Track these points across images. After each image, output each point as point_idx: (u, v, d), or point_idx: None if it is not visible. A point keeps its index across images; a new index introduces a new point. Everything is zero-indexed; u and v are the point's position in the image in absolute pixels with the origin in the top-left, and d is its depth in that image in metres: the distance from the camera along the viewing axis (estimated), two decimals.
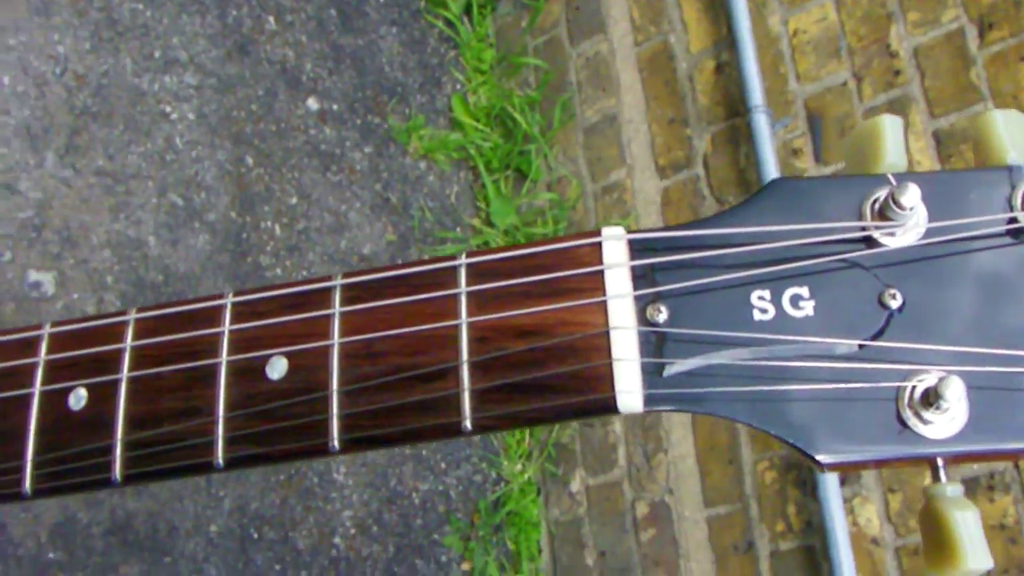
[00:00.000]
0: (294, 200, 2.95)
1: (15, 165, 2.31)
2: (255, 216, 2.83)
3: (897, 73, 2.62)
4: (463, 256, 0.54)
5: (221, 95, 2.77)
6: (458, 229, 3.34)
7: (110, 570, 2.22)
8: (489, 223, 3.34)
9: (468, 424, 0.49)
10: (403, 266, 0.54)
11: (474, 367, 0.51)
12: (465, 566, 2.97)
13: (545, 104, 3.42)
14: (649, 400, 0.49)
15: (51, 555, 2.12)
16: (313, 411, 0.53)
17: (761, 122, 2.72)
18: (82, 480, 0.55)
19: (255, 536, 2.47)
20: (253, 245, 2.76)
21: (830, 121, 2.74)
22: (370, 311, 0.54)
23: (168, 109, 2.67)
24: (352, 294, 0.55)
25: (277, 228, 2.86)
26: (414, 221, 3.20)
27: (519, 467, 3.12)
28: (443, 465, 2.93)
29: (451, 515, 2.90)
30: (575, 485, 3.12)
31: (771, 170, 2.73)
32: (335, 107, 3.08)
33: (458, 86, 3.47)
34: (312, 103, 3.04)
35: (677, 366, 0.49)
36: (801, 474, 2.63)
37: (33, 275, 2.29)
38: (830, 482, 2.54)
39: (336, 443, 0.51)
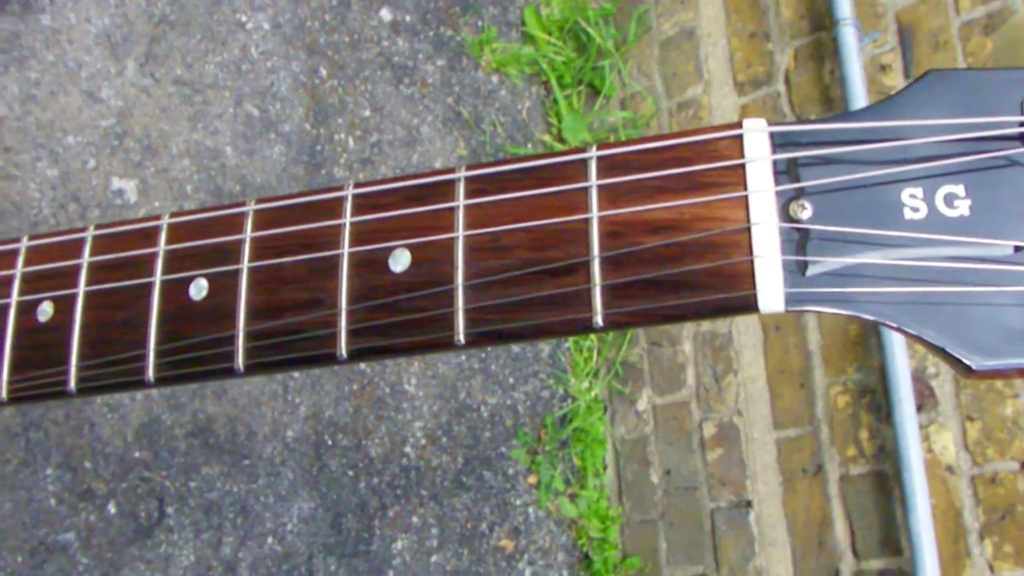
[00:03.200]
0: (367, 113, 2.93)
1: (96, 73, 2.33)
2: (329, 128, 2.82)
3: None
4: (593, 148, 0.52)
5: (295, 4, 2.75)
6: (529, 145, 3.31)
7: (192, 470, 2.30)
8: (560, 139, 3.29)
9: (599, 320, 0.48)
10: (529, 158, 0.53)
11: (605, 262, 0.49)
12: (531, 479, 3.01)
13: (620, 17, 3.33)
14: (791, 299, 0.47)
15: (136, 454, 2.20)
16: (438, 304, 0.52)
17: (848, 36, 2.61)
18: (204, 369, 0.56)
19: (329, 443, 2.53)
20: (327, 157, 2.77)
21: (922, 35, 2.63)
22: (496, 204, 0.53)
23: (244, 19, 2.65)
24: (476, 187, 0.54)
25: (350, 141, 2.86)
26: (485, 136, 3.17)
27: (586, 384, 3.13)
28: (511, 380, 2.95)
29: (519, 429, 2.93)
30: (642, 404, 3.13)
31: (858, 87, 2.63)
32: (408, 18, 3.04)
33: None
34: (385, 14, 3.00)
35: (821, 265, 0.47)
36: (875, 399, 2.59)
37: (116, 182, 2.33)
38: (906, 408, 2.50)
39: (461, 336, 0.51)
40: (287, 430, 2.46)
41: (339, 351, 0.53)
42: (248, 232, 0.57)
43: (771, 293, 0.47)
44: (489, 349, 2.85)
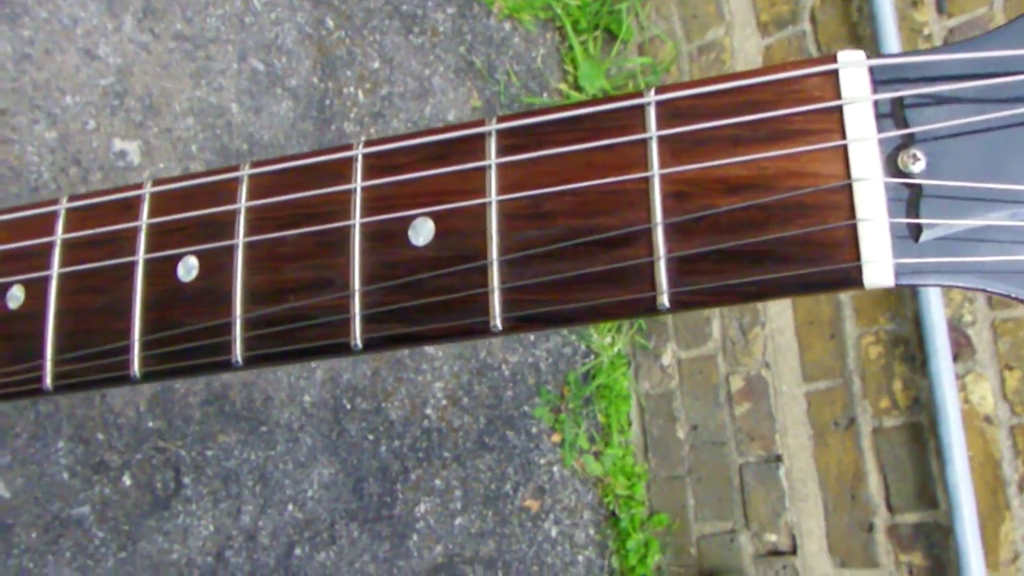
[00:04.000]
0: (376, 64, 2.83)
1: (93, 30, 2.23)
2: (337, 82, 2.73)
3: None
4: (651, 92, 0.43)
5: None
6: (545, 94, 3.20)
7: (208, 438, 2.24)
8: (577, 87, 3.18)
9: (665, 300, 0.40)
10: (574, 106, 0.44)
11: (671, 230, 0.41)
12: (555, 438, 2.96)
13: None
14: (902, 271, 0.38)
15: (150, 424, 2.14)
16: (468, 283, 0.43)
17: None
18: (198, 362, 0.48)
19: (348, 407, 2.47)
20: (336, 112, 2.67)
21: None
22: (535, 162, 0.44)
23: None
24: (511, 142, 0.45)
25: (360, 94, 2.76)
26: (499, 86, 3.06)
27: (608, 340, 3.05)
28: (532, 337, 2.88)
29: (541, 387, 2.87)
30: (666, 358, 3.05)
31: (888, 24, 2.51)
32: None
33: None
34: None
35: (939, 229, 0.38)
36: (909, 349, 2.51)
37: (118, 144, 2.24)
38: (942, 358, 2.42)
39: (498, 321, 0.42)
40: (304, 395, 2.40)
41: (353, 340, 0.45)
42: (243, 201, 0.49)
43: (878, 265, 0.38)
44: None
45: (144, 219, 0.51)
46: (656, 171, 0.42)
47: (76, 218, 0.52)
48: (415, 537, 2.58)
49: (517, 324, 0.43)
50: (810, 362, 2.76)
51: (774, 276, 0.39)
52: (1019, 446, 2.40)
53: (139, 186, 0.51)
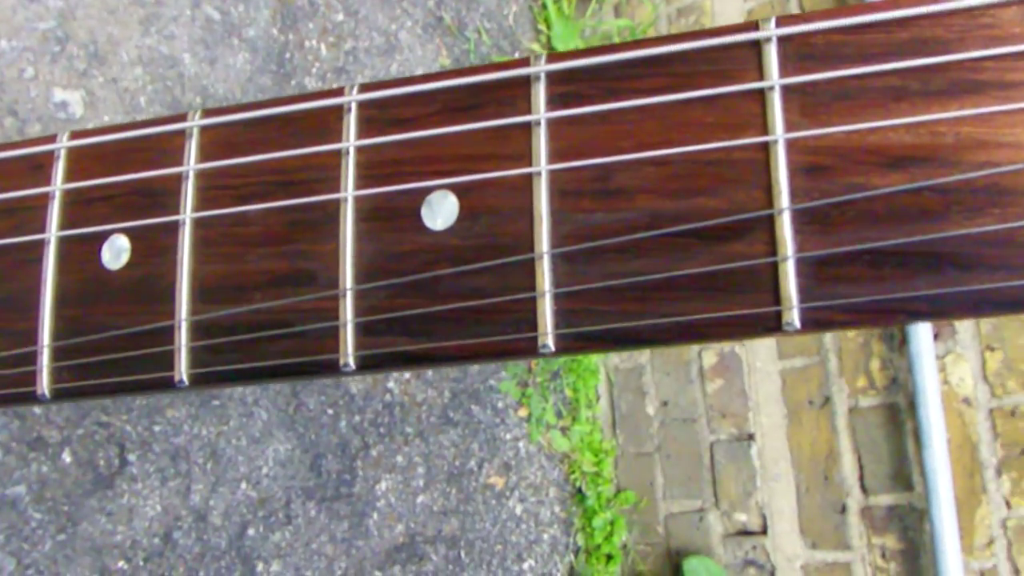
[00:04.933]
0: (340, 17, 2.67)
1: None
2: (299, 34, 2.56)
3: None
4: (771, 24, 0.30)
5: None
6: (516, 54, 3.06)
7: (155, 412, 2.10)
8: (550, 48, 3.04)
9: (795, 317, 0.28)
10: (656, 42, 0.31)
11: (802, 219, 0.29)
12: (522, 412, 2.86)
13: None
14: None
15: None
16: (506, 285, 0.31)
17: None
18: (127, 379, 0.35)
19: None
20: (297, 66, 2.51)
21: None
22: (602, 119, 0.31)
23: None
24: (567, 89, 0.32)
25: (323, 48, 2.59)
26: (469, 44, 2.92)
27: None
28: None
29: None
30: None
31: None
32: None
33: None
34: None
35: None
36: (888, 328, 2.44)
37: (59, 94, 2.06)
38: (923, 337, 2.36)
39: (550, 340, 0.30)
40: None
41: (343, 358, 0.32)
42: (191, 162, 0.35)
43: None
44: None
45: (58, 183, 0.37)
46: (780, 134, 0.29)
47: None
48: (375, 516, 2.47)
49: (574, 343, 0.30)
50: (785, 339, 2.69)
51: (957, 290, 0.27)
52: (998, 429, 2.35)
53: (51, 138, 0.37)
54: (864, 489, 2.54)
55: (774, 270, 0.29)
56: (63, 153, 0.38)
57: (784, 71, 0.30)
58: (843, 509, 2.60)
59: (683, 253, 0.30)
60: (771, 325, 0.28)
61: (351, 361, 0.32)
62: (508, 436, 2.80)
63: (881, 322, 0.28)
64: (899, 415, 2.49)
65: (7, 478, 1.84)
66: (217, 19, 2.41)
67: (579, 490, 2.92)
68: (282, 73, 2.50)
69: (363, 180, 0.34)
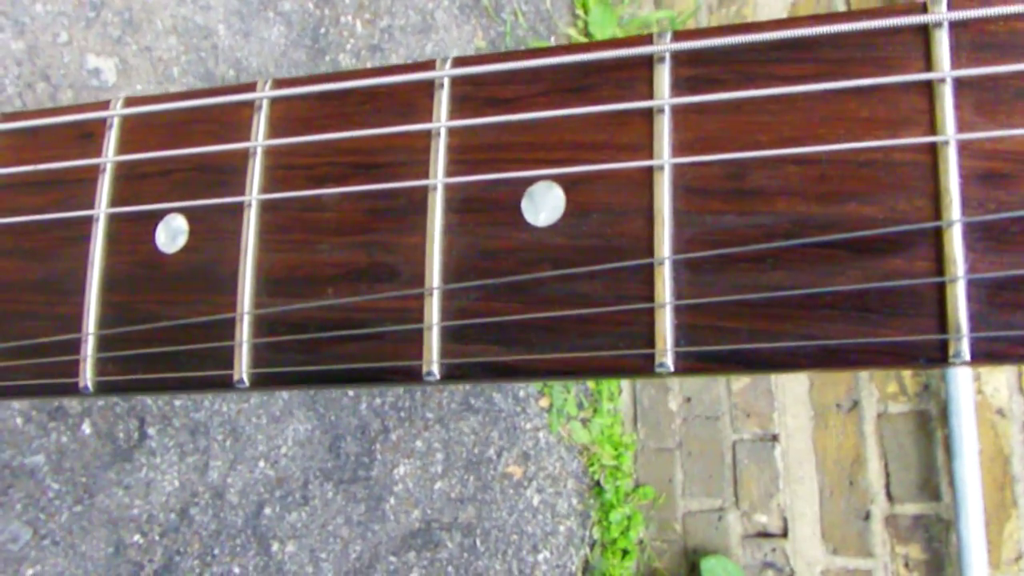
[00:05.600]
0: None
1: None
2: (334, 9, 2.52)
3: None
4: (942, 5, 0.26)
5: None
6: (552, 39, 3.01)
7: None
8: (587, 34, 2.99)
9: (964, 348, 0.24)
10: (798, 22, 0.27)
11: (975, 234, 0.25)
12: (543, 402, 2.83)
13: None
14: None
15: None
16: (619, 292, 0.27)
17: None
18: (180, 375, 0.31)
19: None
20: (332, 42, 2.47)
21: None
22: (737, 108, 0.27)
23: None
24: (696, 72, 0.28)
25: (358, 24, 2.55)
26: (506, 27, 2.87)
27: None
28: None
29: None
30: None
31: None
32: None
33: None
34: None
35: None
36: None
37: (92, 60, 2.03)
38: None
39: (669, 359, 0.26)
40: None
41: (427, 366, 0.28)
42: (260, 136, 0.32)
43: None
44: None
45: (110, 154, 0.33)
46: (952, 135, 0.25)
47: (12, 145, 0.35)
48: (392, 500, 2.45)
49: (697, 364, 0.26)
50: None
51: None
52: None
53: (104, 104, 0.34)
54: (890, 497, 2.50)
55: (940, 292, 0.25)
56: (116, 122, 0.34)
57: (957, 62, 0.26)
58: (867, 516, 2.56)
59: (830, 267, 0.26)
60: (935, 356, 0.24)
61: (435, 369, 0.28)
62: (528, 426, 2.77)
63: None
64: (930, 423, 2.45)
65: (26, 447, 1.82)
66: None
67: (597, 483, 2.89)
68: (316, 48, 2.47)
69: (455, 166, 0.30)
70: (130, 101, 0.34)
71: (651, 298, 0.27)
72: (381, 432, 2.44)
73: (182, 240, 0.32)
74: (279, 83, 0.32)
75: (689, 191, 0.27)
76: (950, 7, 0.26)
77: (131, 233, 0.33)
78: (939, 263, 0.25)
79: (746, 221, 0.26)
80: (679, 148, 0.28)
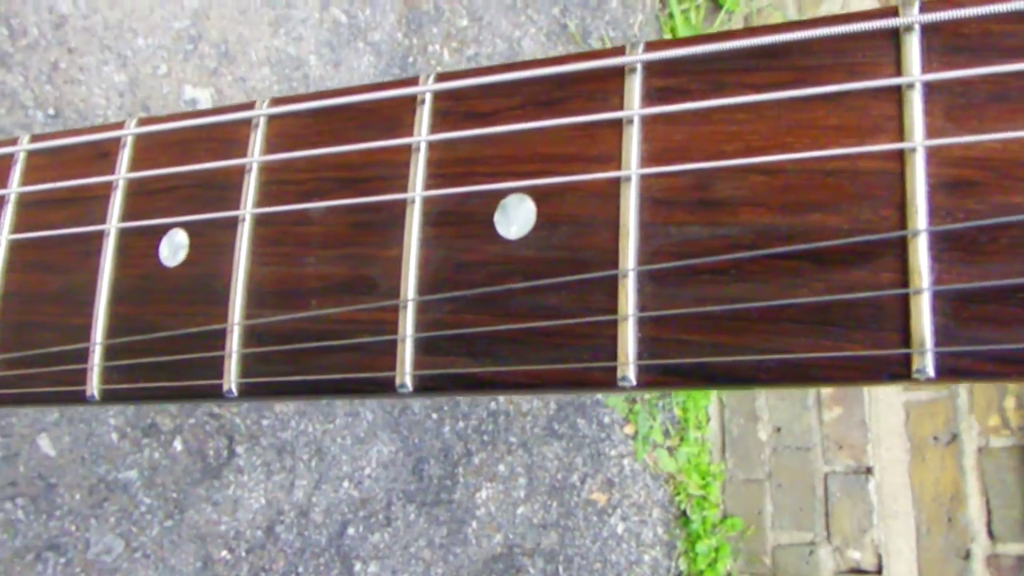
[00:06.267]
0: (464, 22, 2.67)
1: None
2: (422, 38, 2.58)
3: None
4: (914, 8, 0.25)
5: None
6: None
7: (265, 407, 2.13)
8: None
9: (928, 364, 0.22)
10: (767, 30, 0.26)
11: (941, 243, 0.23)
12: (628, 429, 2.79)
13: None
14: None
15: None
16: (585, 305, 0.27)
17: None
18: (174, 385, 0.32)
19: None
20: (420, 70, 2.52)
21: None
22: (705, 117, 0.27)
23: None
24: (667, 83, 0.28)
25: (446, 53, 2.60)
26: None
27: None
28: None
29: None
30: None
31: None
32: None
33: None
34: None
35: None
36: None
37: (189, 91, 2.12)
38: None
39: (631, 372, 0.25)
40: None
41: (400, 376, 0.29)
42: (256, 153, 0.33)
43: None
44: None
45: (122, 171, 0.35)
46: (920, 141, 0.24)
47: (38, 165, 0.37)
48: (474, 524, 2.45)
49: (659, 377, 0.26)
50: None
51: None
52: None
53: (119, 125, 0.35)
54: (991, 535, 2.39)
55: (905, 305, 0.24)
56: (130, 140, 0.36)
57: (928, 66, 0.25)
58: (967, 555, 2.44)
59: (794, 279, 0.25)
60: (898, 372, 0.23)
61: (408, 381, 0.29)
62: (613, 452, 2.74)
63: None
64: None
65: (121, 462, 1.89)
66: (344, 22, 2.44)
67: (684, 513, 2.84)
68: (405, 77, 2.51)
69: (434, 180, 0.30)
70: (142, 121, 0.35)
71: (615, 311, 0.26)
72: (464, 455, 2.46)
73: (183, 254, 0.34)
74: (276, 101, 0.33)
75: (655, 202, 0.27)
76: (922, 9, 0.25)
77: (138, 247, 0.35)
78: (904, 275, 0.24)
79: (711, 232, 0.26)
80: (647, 159, 0.27)
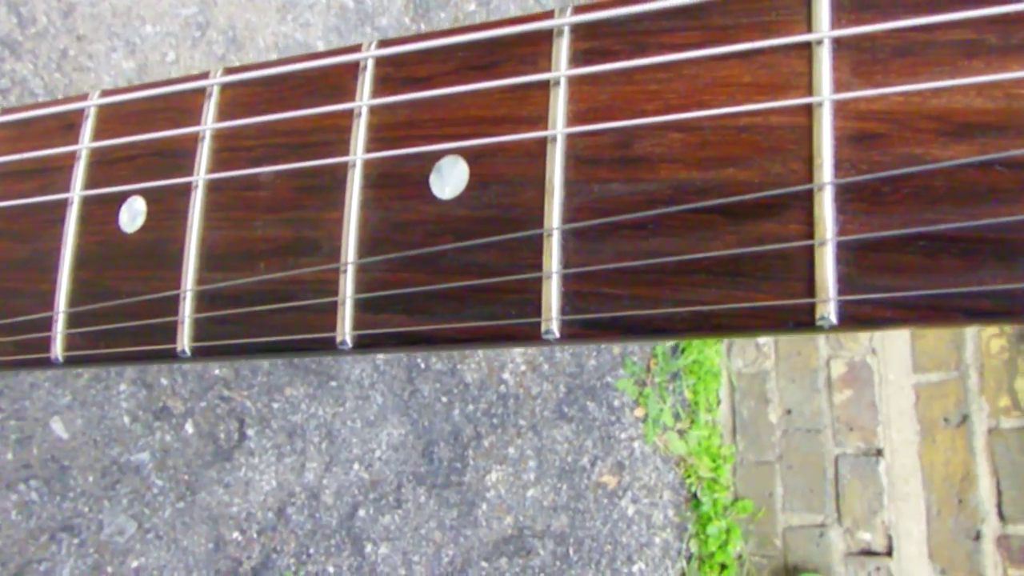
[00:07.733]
0: (472, 7, 2.67)
1: None
2: (430, 23, 2.58)
3: None
4: None
5: None
6: None
7: (275, 390, 2.15)
8: None
9: (831, 311, 0.23)
10: None
11: (846, 195, 0.24)
12: (638, 412, 2.80)
13: None
14: None
15: (216, 371, 2.06)
16: (513, 262, 0.27)
17: None
18: (132, 350, 0.33)
19: (422, 366, 2.35)
20: None
21: None
22: (627, 77, 0.27)
23: None
24: (592, 45, 0.28)
25: None
26: None
27: None
28: None
29: (626, 358, 2.70)
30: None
31: None
32: None
33: None
34: None
35: None
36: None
37: None
38: None
39: (555, 326, 0.26)
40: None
41: (340, 334, 0.30)
42: (209, 120, 0.34)
43: None
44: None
45: (85, 141, 0.36)
46: (827, 95, 0.25)
47: (8, 137, 0.38)
48: (484, 506, 2.47)
49: (581, 331, 0.26)
50: (922, 351, 2.55)
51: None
52: None
53: (83, 96, 0.36)
54: (1002, 516, 2.38)
55: (810, 255, 0.24)
56: (93, 111, 0.37)
57: (837, 22, 0.25)
58: (977, 536, 2.44)
59: (707, 232, 0.26)
60: (802, 319, 0.24)
61: (348, 339, 0.30)
62: (623, 435, 2.75)
63: (934, 321, 0.23)
64: None
65: (133, 445, 1.92)
66: (351, 7, 2.45)
67: (694, 495, 2.84)
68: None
69: (374, 144, 0.31)
70: (105, 92, 0.36)
71: (541, 267, 0.27)
72: (474, 438, 2.47)
73: (140, 221, 0.35)
74: (229, 70, 0.34)
75: (579, 161, 0.28)
76: None
77: (99, 215, 0.36)
78: (810, 226, 0.25)
79: (631, 189, 0.27)
80: (572, 119, 0.28)
